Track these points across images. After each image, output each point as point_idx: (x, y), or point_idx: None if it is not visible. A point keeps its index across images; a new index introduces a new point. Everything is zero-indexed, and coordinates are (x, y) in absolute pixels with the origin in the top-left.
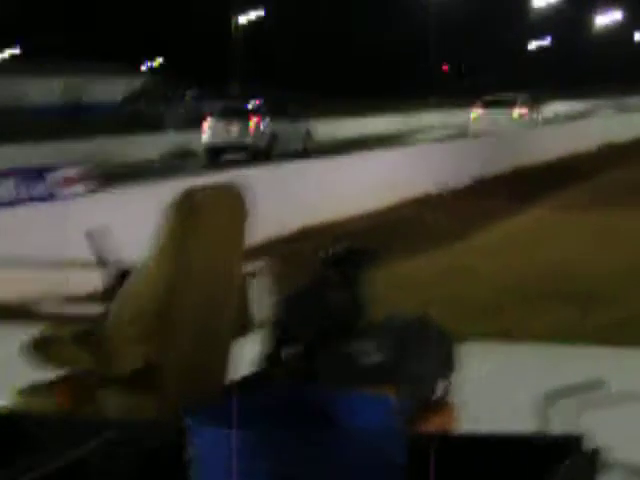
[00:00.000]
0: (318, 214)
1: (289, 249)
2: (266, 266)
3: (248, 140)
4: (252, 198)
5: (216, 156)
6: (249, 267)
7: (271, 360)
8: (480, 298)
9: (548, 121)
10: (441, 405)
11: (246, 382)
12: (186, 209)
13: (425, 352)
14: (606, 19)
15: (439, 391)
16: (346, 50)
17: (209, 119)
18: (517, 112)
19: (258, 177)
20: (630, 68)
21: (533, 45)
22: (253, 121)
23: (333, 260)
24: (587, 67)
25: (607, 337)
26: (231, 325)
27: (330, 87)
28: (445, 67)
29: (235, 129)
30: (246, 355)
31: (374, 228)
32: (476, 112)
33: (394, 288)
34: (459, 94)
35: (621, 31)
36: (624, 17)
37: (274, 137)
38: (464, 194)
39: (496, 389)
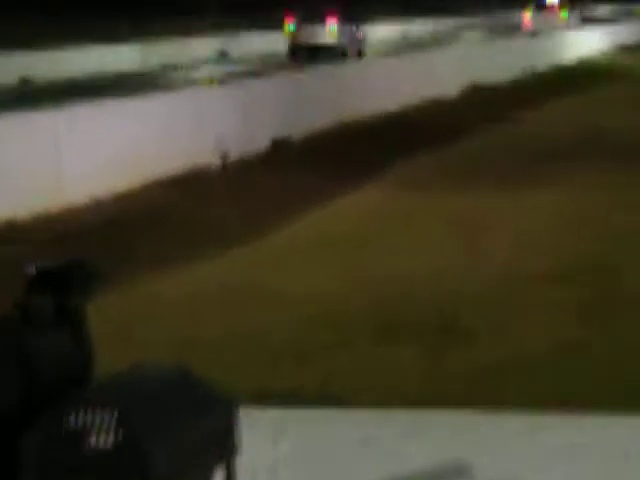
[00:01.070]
0: (25, 201)
1: None
2: None
3: (335, 41)
4: None
5: (308, 54)
6: None
7: None
8: (275, 335)
9: (379, 50)
10: None
11: None
12: None
13: (176, 424)
14: None
15: None
16: None
17: (295, 21)
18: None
19: None
20: None
21: None
22: (335, 25)
23: (43, 281)
24: None
25: (461, 393)
26: None
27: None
28: None
29: (322, 32)
30: None
31: (110, 223)
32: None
33: (140, 321)
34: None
35: None
36: None
37: (356, 40)
38: (257, 166)
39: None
